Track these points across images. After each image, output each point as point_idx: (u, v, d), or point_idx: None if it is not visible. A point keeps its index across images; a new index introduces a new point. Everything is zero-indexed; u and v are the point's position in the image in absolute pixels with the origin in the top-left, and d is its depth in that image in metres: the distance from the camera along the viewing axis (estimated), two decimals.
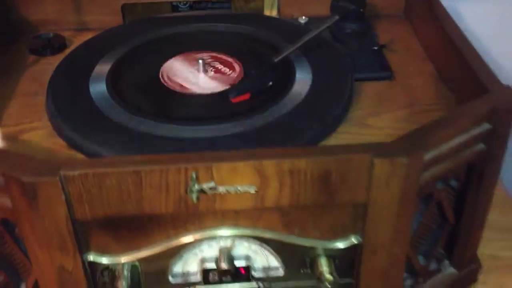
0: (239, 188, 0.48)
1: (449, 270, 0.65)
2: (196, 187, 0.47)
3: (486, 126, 0.54)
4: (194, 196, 0.48)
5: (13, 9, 0.73)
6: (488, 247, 0.68)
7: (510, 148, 0.58)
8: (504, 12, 0.97)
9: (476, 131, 0.54)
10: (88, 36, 0.72)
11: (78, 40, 0.72)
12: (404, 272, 0.60)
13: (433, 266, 0.64)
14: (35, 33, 0.73)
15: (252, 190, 0.48)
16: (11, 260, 0.58)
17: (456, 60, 0.62)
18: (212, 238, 0.52)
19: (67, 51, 0.71)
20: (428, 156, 0.50)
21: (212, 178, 0.47)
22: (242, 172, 0.47)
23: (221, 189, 0.48)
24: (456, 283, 0.65)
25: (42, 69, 0.68)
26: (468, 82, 0.59)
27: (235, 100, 0.58)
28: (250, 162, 0.47)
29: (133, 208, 0.48)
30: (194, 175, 0.47)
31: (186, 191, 0.48)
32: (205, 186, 0.48)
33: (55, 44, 0.71)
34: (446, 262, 0.65)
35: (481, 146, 0.55)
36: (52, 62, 0.68)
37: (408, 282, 0.62)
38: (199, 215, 0.51)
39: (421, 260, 0.62)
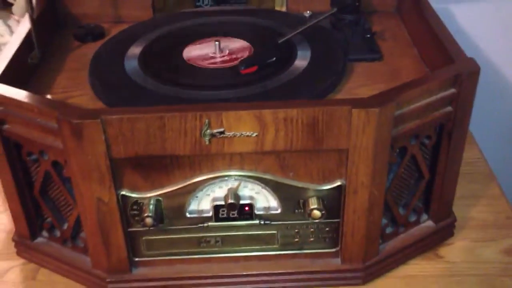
0: (243, 133, 0.60)
1: (428, 223, 0.75)
2: (209, 131, 0.59)
3: (452, 91, 0.65)
4: (207, 139, 0.60)
5: (60, 4, 0.87)
6: None
7: None
8: (495, 13, 1.07)
9: (443, 94, 0.64)
10: (123, 27, 0.85)
11: (115, 30, 0.85)
12: (385, 220, 0.71)
13: (412, 218, 0.74)
14: (78, 24, 0.86)
15: (254, 135, 0.60)
16: (57, 202, 0.70)
17: (433, 42, 0.73)
18: (222, 178, 0.64)
19: (106, 38, 0.84)
20: (400, 111, 0.61)
21: (221, 124, 0.59)
22: (245, 119, 0.59)
23: (229, 133, 0.60)
24: (434, 235, 0.75)
25: (84, 52, 0.80)
26: (440, 58, 0.69)
27: (244, 71, 0.70)
28: (252, 111, 0.59)
29: (158, 148, 0.60)
30: (207, 121, 0.59)
31: (200, 135, 0.59)
32: (216, 131, 0.59)
33: (95, 32, 0.84)
34: (425, 216, 0.75)
35: (448, 108, 0.66)
36: (92, 47, 0.80)
37: (390, 230, 0.72)
38: (211, 158, 0.62)
39: (401, 211, 0.72)
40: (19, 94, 0.62)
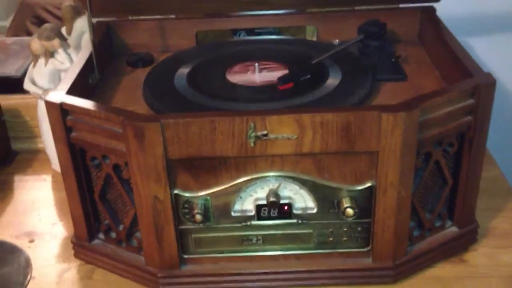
0: (284, 135, 0.67)
1: (452, 228, 0.81)
2: (254, 134, 0.67)
3: (471, 101, 0.72)
4: (252, 141, 0.67)
5: (115, 36, 0.97)
6: None
7: None
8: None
9: (463, 104, 0.72)
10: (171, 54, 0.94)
11: (163, 57, 0.94)
12: (413, 223, 0.77)
13: (438, 223, 0.80)
14: (131, 52, 0.96)
15: (294, 137, 0.67)
16: (114, 205, 0.78)
17: (453, 61, 0.80)
18: (264, 179, 0.71)
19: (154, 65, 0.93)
20: (424, 118, 0.69)
21: (265, 128, 0.67)
22: (286, 123, 0.67)
23: (271, 136, 0.67)
24: (458, 240, 0.81)
25: (136, 75, 0.89)
26: (460, 75, 0.77)
27: (281, 87, 0.78)
28: (292, 115, 0.66)
29: (208, 150, 0.68)
30: (252, 125, 0.66)
31: (246, 137, 0.67)
32: (260, 133, 0.67)
33: (146, 59, 0.93)
34: (449, 222, 0.81)
35: (468, 118, 0.73)
36: (143, 72, 0.89)
37: (417, 233, 0.78)
38: (254, 159, 0.70)
39: (427, 216, 0.78)
40: (87, 104, 0.71)
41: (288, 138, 0.67)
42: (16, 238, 0.89)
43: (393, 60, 0.88)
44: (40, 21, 1.59)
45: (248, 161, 0.70)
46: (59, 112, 0.71)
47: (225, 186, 0.71)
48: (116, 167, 0.73)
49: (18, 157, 1.09)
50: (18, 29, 1.69)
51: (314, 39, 0.99)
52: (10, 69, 1.15)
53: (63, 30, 1.04)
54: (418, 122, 0.68)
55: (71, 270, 0.83)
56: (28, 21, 1.70)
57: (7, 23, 1.74)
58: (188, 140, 0.67)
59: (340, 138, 0.67)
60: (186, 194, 0.72)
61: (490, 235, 0.85)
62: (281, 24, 0.98)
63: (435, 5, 0.95)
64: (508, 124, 1.17)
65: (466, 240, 0.82)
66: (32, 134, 1.11)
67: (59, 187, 0.99)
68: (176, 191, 0.71)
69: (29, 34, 1.55)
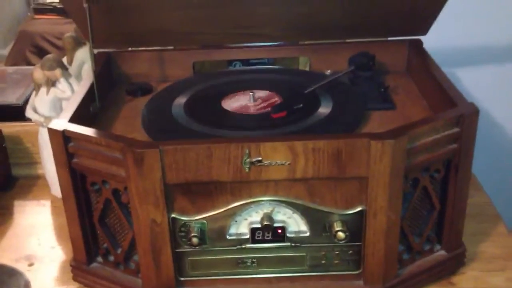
0: (277, 161, 0.70)
1: (440, 252, 0.83)
2: (248, 160, 0.70)
3: (456, 130, 0.75)
4: (247, 167, 0.70)
5: (115, 66, 1.00)
6: None
7: None
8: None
9: (448, 132, 0.75)
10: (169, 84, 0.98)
11: (161, 87, 0.98)
12: (402, 247, 0.80)
13: (426, 247, 0.82)
14: (130, 82, 1.00)
15: (287, 163, 0.70)
16: (113, 228, 0.80)
17: (439, 92, 0.84)
18: (258, 203, 0.74)
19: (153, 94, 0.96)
20: (411, 145, 0.72)
21: (259, 154, 0.70)
22: (280, 150, 0.70)
23: (266, 162, 0.70)
24: (447, 263, 0.83)
25: (135, 104, 0.93)
26: (446, 105, 0.80)
27: (275, 116, 0.82)
28: (285, 142, 0.70)
29: (205, 175, 0.71)
30: (247, 151, 0.70)
31: (241, 163, 0.70)
32: (254, 159, 0.70)
33: (145, 88, 0.97)
34: (438, 246, 0.84)
35: (454, 145, 0.76)
36: (142, 100, 0.92)
37: (406, 256, 0.81)
38: (249, 184, 0.73)
39: (416, 240, 0.81)
40: (89, 131, 0.74)
41: (282, 164, 0.70)
42: (15, 262, 0.91)
43: (382, 90, 0.92)
44: (39, 50, 1.63)
45: (243, 186, 0.73)
46: (62, 139, 0.74)
47: (221, 210, 0.74)
48: (115, 192, 0.76)
49: (18, 183, 1.12)
50: (17, 58, 1.73)
51: (307, 69, 1.03)
52: (12, 98, 1.18)
53: (64, 60, 1.07)
54: (405, 149, 0.71)
55: None
56: (27, 50, 1.74)
57: (6, 51, 1.77)
58: (186, 166, 0.70)
59: (331, 164, 0.71)
60: (183, 218, 0.74)
61: (478, 259, 0.88)
62: (275, 55, 1.02)
63: (422, 38, 0.99)
64: (495, 152, 1.21)
65: (455, 263, 0.84)
66: (32, 161, 1.14)
67: (58, 212, 1.01)
68: (173, 215, 0.74)
69: (28, 63, 1.59)
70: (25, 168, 1.14)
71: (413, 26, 0.97)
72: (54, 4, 1.74)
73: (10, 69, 1.38)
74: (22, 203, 1.06)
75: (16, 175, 1.13)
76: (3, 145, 1.11)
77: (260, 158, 0.70)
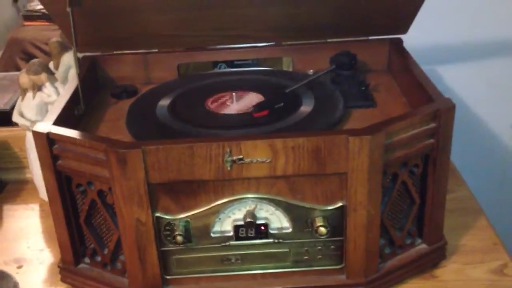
0: (258, 159, 0.72)
1: (422, 246, 0.85)
2: (230, 158, 0.71)
3: (432, 125, 0.77)
4: (228, 165, 0.72)
5: (100, 69, 1.01)
6: None
7: None
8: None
9: (425, 127, 0.77)
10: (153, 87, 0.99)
11: (146, 89, 0.99)
12: (383, 241, 0.81)
13: (408, 241, 0.84)
14: (115, 85, 1.01)
15: (267, 161, 0.72)
16: (99, 229, 0.81)
17: (418, 89, 0.86)
18: (240, 201, 0.75)
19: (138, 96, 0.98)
20: (389, 141, 0.74)
21: (240, 152, 0.71)
22: (260, 148, 0.71)
23: (247, 160, 0.72)
24: (428, 256, 0.85)
25: (120, 106, 0.94)
26: (424, 101, 0.82)
27: (256, 114, 0.83)
28: (265, 140, 0.71)
29: (187, 174, 0.72)
30: (228, 150, 0.71)
31: (223, 161, 0.71)
32: (236, 158, 0.71)
33: (130, 90, 0.98)
34: (419, 240, 0.85)
35: (431, 140, 0.78)
36: (127, 103, 0.94)
37: (388, 250, 0.82)
38: (231, 182, 0.74)
39: (397, 234, 0.83)
40: (73, 133, 0.75)
41: (262, 162, 0.72)
42: (5, 264, 0.92)
43: (363, 88, 0.93)
44: (29, 57, 1.63)
45: (225, 184, 0.74)
46: (46, 141, 0.76)
47: (204, 208, 0.75)
48: (100, 193, 0.77)
49: (7, 187, 1.13)
50: (7, 64, 1.74)
51: (290, 69, 1.05)
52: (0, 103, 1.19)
53: (51, 65, 1.09)
54: (383, 144, 0.73)
55: None
56: (17, 57, 1.74)
57: None
58: (168, 165, 0.72)
59: (311, 161, 0.72)
60: (167, 217, 0.75)
61: (459, 252, 0.90)
62: (259, 56, 1.04)
63: (402, 36, 1.01)
64: (476, 146, 1.23)
65: (436, 256, 0.86)
66: (21, 165, 1.15)
67: (46, 215, 1.02)
68: (157, 214, 0.75)
69: (18, 69, 1.60)
70: (13, 173, 1.15)
71: (393, 25, 0.99)
72: (43, 10, 1.75)
73: None
74: (11, 207, 1.07)
75: (5, 180, 1.14)
76: None
77: (241, 156, 0.71)
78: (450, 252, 0.88)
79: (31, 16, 1.80)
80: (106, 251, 0.82)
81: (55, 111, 0.82)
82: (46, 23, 1.76)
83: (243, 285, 0.80)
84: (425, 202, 0.82)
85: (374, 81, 0.97)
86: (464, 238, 0.92)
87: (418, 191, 0.81)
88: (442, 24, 1.18)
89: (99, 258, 0.83)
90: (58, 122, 0.79)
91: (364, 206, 0.74)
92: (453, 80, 1.20)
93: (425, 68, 0.91)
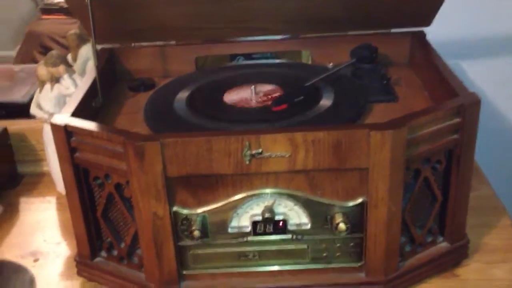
0: (277, 153, 0.70)
1: (443, 244, 0.83)
2: (249, 152, 0.70)
3: (457, 120, 0.75)
4: (247, 159, 0.70)
5: (117, 62, 1.01)
6: None
7: None
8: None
9: (449, 122, 0.75)
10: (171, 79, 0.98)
11: (164, 82, 0.98)
12: (404, 238, 0.79)
13: (429, 239, 0.82)
14: (132, 78, 1.00)
15: (287, 155, 0.70)
16: (116, 223, 0.81)
17: (441, 83, 0.84)
18: (259, 196, 0.74)
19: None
20: (411, 136, 0.72)
21: (259, 146, 0.70)
22: (280, 142, 0.70)
23: (266, 154, 0.70)
24: (449, 255, 0.83)
25: (138, 99, 0.93)
26: (447, 95, 0.80)
27: (275, 109, 0.82)
28: (285, 134, 0.70)
29: (205, 168, 0.71)
30: (247, 143, 0.70)
31: (241, 155, 0.70)
32: (255, 152, 0.70)
33: (147, 84, 0.97)
34: (441, 238, 0.83)
35: (455, 136, 0.76)
36: (144, 96, 0.93)
37: (408, 248, 0.81)
38: (250, 177, 0.73)
39: (418, 232, 0.81)
40: (90, 125, 0.75)
41: (282, 156, 0.70)
42: (21, 258, 0.92)
43: (384, 82, 0.92)
44: (46, 50, 1.64)
45: (244, 178, 0.73)
46: (64, 133, 0.75)
47: (222, 203, 0.74)
48: (118, 186, 0.76)
49: (24, 180, 1.13)
50: (25, 58, 1.74)
51: (309, 62, 1.03)
52: (17, 95, 1.19)
53: (69, 57, 1.08)
54: (405, 139, 0.71)
55: (74, 287, 0.85)
56: (35, 50, 1.75)
57: (14, 53, 1.78)
58: (186, 159, 0.71)
59: (331, 156, 0.71)
60: (185, 211, 0.74)
61: (482, 251, 0.88)
62: (277, 49, 1.02)
63: (425, 29, 0.99)
64: (500, 144, 1.20)
65: (458, 255, 0.84)
66: (38, 158, 1.14)
67: (63, 208, 1.02)
68: (175, 208, 0.74)
69: (36, 62, 1.60)
70: (30, 166, 1.14)
71: (416, 18, 0.97)
72: (61, 4, 1.75)
73: (17, 67, 1.39)
74: (27, 200, 1.07)
75: (22, 173, 1.14)
76: (8, 143, 1.12)
77: (260, 151, 0.70)
78: (473, 250, 0.86)
79: (49, 10, 1.80)
80: (123, 245, 0.81)
81: (72, 103, 0.81)
82: (64, 17, 1.77)
83: (260, 282, 0.79)
84: (448, 200, 0.80)
85: (395, 75, 0.95)
86: (486, 237, 0.90)
87: (440, 188, 0.79)
88: (467, 16, 1.15)
89: (115, 252, 0.82)
90: (75, 114, 0.78)
91: (385, 203, 0.73)
92: (477, 75, 1.17)
93: (448, 62, 0.89)
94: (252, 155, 0.70)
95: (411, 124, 0.71)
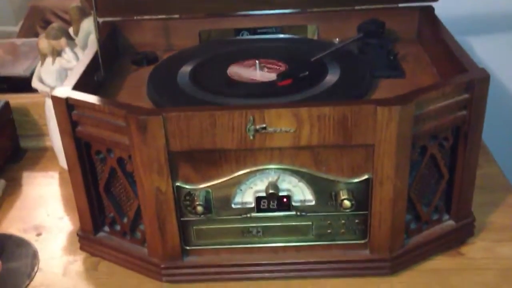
0: (282, 128, 0.69)
1: (449, 222, 0.82)
2: (253, 127, 0.69)
3: (465, 96, 0.74)
4: (251, 134, 0.69)
5: (120, 35, 0.99)
6: None
7: None
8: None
9: (457, 98, 0.73)
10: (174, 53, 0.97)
11: (167, 56, 0.97)
12: (410, 216, 0.79)
13: (434, 217, 0.81)
14: (135, 52, 0.99)
15: (291, 131, 0.69)
16: (119, 198, 0.80)
17: (449, 58, 0.82)
18: (263, 171, 0.73)
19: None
20: (419, 112, 0.70)
21: (264, 121, 0.69)
22: (284, 116, 0.69)
23: (270, 129, 0.69)
24: (455, 233, 0.82)
25: (141, 73, 0.91)
26: (456, 71, 0.78)
27: (280, 83, 0.80)
28: (290, 109, 0.68)
29: (209, 143, 0.70)
30: (251, 118, 0.68)
31: (245, 130, 0.69)
32: (259, 126, 0.69)
33: (150, 57, 0.96)
34: (446, 216, 0.82)
35: (463, 112, 0.75)
36: (147, 70, 0.91)
37: (414, 226, 0.80)
38: (254, 152, 0.72)
39: (424, 209, 0.80)
40: (92, 98, 0.74)
41: (286, 131, 0.69)
42: (24, 232, 0.91)
43: (392, 57, 0.90)
44: (49, 25, 1.62)
45: (247, 154, 0.72)
46: (65, 106, 0.74)
47: (226, 178, 0.73)
48: (120, 161, 0.75)
49: (26, 155, 1.12)
50: (28, 33, 1.72)
51: (315, 38, 1.01)
52: (19, 69, 1.18)
53: (71, 31, 1.06)
54: (413, 115, 0.69)
55: (77, 262, 0.85)
56: (38, 25, 1.73)
57: (17, 28, 1.77)
58: (189, 133, 0.69)
59: (336, 132, 0.69)
60: (188, 186, 0.74)
61: (488, 229, 0.87)
62: (283, 23, 1.00)
63: (433, 4, 0.97)
64: (507, 122, 1.19)
65: (463, 233, 0.83)
66: (40, 132, 1.14)
67: (66, 183, 1.01)
68: (178, 183, 0.73)
69: None
70: (33, 140, 1.14)
71: None
72: None
73: (19, 41, 1.37)
74: (30, 175, 1.07)
75: (25, 147, 1.14)
76: (11, 117, 1.11)
77: (264, 125, 0.69)
78: (479, 229, 0.85)
79: None
80: (125, 220, 0.80)
81: (74, 76, 0.80)
82: None
83: (263, 258, 0.78)
84: (454, 177, 0.79)
85: (402, 51, 0.94)
86: (493, 215, 0.89)
87: (447, 165, 0.78)
88: None
89: (118, 227, 0.82)
90: (77, 87, 0.77)
91: (391, 180, 0.72)
92: (486, 51, 1.15)
93: (457, 38, 0.87)
94: (256, 130, 0.69)
95: (419, 99, 0.70)
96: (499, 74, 1.18)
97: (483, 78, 0.73)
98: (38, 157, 1.12)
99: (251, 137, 0.70)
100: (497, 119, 1.06)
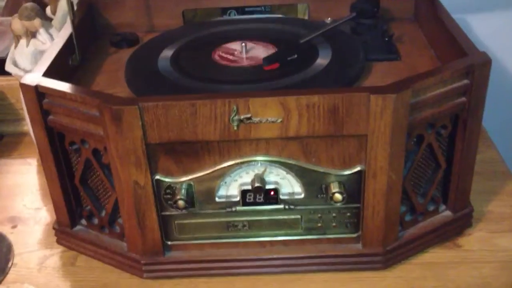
0: (268, 118, 0.64)
1: (446, 213, 0.78)
2: (236, 117, 0.64)
3: (465, 81, 0.69)
4: (235, 124, 0.64)
5: (99, 15, 0.93)
6: None
7: None
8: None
9: (456, 84, 0.68)
10: (156, 35, 0.91)
11: (148, 38, 0.91)
12: (404, 207, 0.74)
13: (431, 207, 0.77)
14: (114, 33, 0.93)
15: (278, 121, 0.64)
16: (96, 190, 0.75)
17: (448, 41, 0.77)
18: (249, 164, 0.68)
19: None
20: (415, 99, 0.66)
21: (248, 111, 0.64)
22: (271, 106, 0.64)
23: (255, 119, 0.64)
24: (452, 224, 0.78)
25: (120, 56, 0.86)
26: (455, 54, 0.73)
27: (266, 68, 0.75)
28: (277, 98, 0.63)
29: (189, 134, 0.65)
30: (235, 107, 0.64)
31: (229, 121, 0.64)
32: (243, 117, 0.64)
33: (130, 39, 0.90)
34: (443, 206, 0.78)
35: (462, 99, 0.70)
36: (127, 52, 0.86)
37: (409, 218, 0.76)
38: (238, 143, 0.67)
39: (420, 200, 0.76)
40: (63, 86, 0.68)
41: (273, 122, 0.64)
42: None
43: (387, 39, 0.85)
44: (36, 1, 1.56)
45: (231, 145, 0.67)
46: (35, 94, 0.69)
47: (209, 171, 0.69)
48: (95, 152, 0.71)
49: (3, 140, 1.07)
50: (14, 8, 1.65)
51: (306, 17, 0.96)
52: None
53: (48, 10, 1.00)
54: (409, 104, 0.65)
55: (54, 256, 0.80)
56: (24, 1, 1.66)
57: (2, 2, 1.70)
58: (168, 124, 0.65)
59: (327, 121, 0.65)
60: (168, 180, 0.69)
61: (486, 219, 0.83)
62: (272, 2, 0.95)
63: None
64: (507, 105, 1.14)
65: (461, 224, 0.79)
66: (18, 117, 1.08)
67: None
68: (157, 177, 0.69)
69: None
70: (10, 125, 1.08)
71: None
72: None
73: None
74: (7, 162, 1.02)
75: (1, 132, 1.08)
76: None
77: (249, 115, 0.64)
78: (476, 219, 0.81)
79: None
80: (103, 213, 0.76)
81: (46, 61, 0.74)
82: None
83: (250, 253, 0.74)
84: (452, 167, 0.74)
85: (398, 31, 0.88)
86: (491, 204, 0.85)
87: (444, 155, 0.74)
88: None
89: (96, 221, 0.77)
90: (49, 73, 0.72)
91: (385, 171, 0.67)
92: (486, 32, 1.09)
93: (456, 17, 0.82)
94: (240, 120, 0.64)
95: (415, 86, 0.65)
96: (498, 54, 1.13)
97: (484, 63, 0.68)
98: (16, 142, 1.06)
99: (235, 128, 0.65)
100: (496, 102, 1.01)
